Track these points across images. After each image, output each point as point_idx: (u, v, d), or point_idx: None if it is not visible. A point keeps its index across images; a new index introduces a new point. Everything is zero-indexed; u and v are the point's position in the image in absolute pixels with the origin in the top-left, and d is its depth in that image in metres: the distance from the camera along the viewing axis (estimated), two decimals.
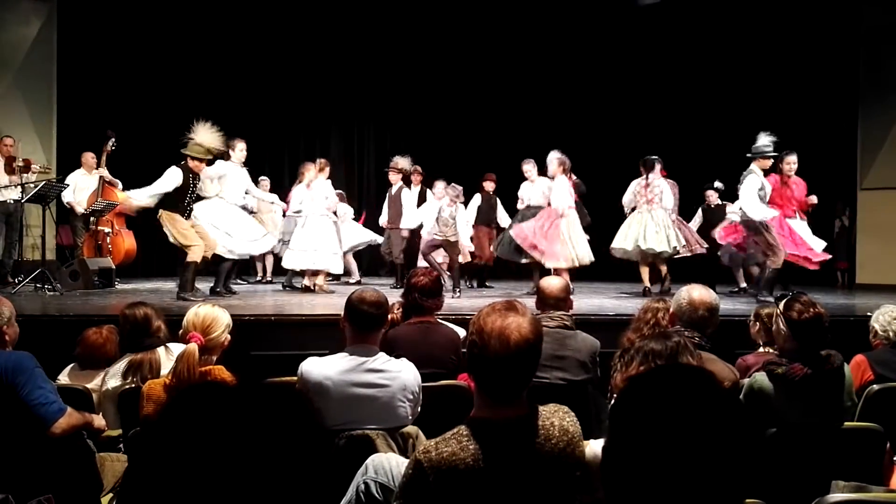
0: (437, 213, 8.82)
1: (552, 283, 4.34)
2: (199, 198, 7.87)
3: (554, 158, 8.67)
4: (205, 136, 7.70)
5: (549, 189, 8.80)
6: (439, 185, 9.57)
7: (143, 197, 7.67)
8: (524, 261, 8.98)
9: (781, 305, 3.39)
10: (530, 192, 9.36)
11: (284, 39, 12.44)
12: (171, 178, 7.49)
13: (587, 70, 12.59)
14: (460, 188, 8.89)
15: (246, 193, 8.60)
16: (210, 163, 7.85)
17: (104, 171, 9.59)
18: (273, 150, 12.72)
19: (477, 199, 9.92)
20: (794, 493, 2.67)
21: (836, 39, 11.57)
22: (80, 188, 9.69)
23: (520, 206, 9.49)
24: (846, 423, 3.20)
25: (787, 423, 3.12)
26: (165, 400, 3.12)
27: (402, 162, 9.96)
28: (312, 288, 8.97)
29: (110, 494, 3.11)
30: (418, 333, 4.16)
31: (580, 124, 12.08)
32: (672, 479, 1.11)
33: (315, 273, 9.02)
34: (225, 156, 8.20)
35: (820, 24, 11.46)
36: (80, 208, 9.60)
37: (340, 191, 10.95)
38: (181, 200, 7.56)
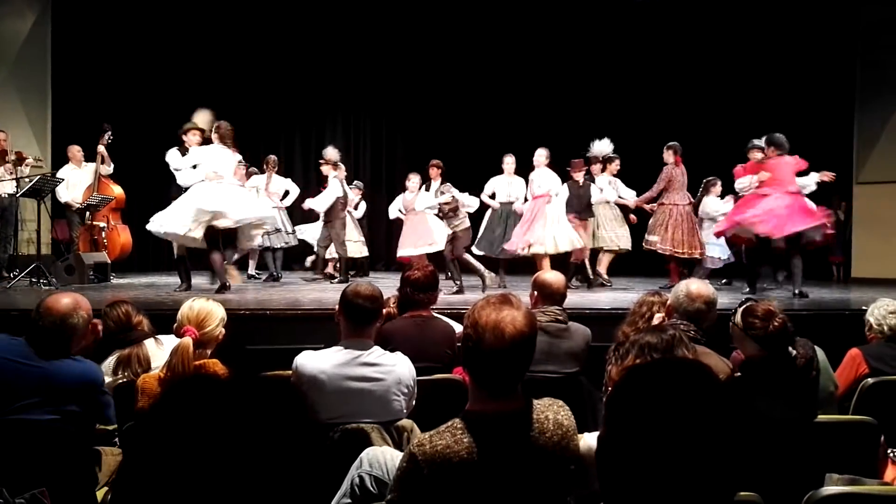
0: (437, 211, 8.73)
1: (550, 278, 4.35)
2: None
3: (544, 150, 8.87)
4: (200, 117, 7.84)
5: (531, 181, 8.85)
6: (414, 179, 9.55)
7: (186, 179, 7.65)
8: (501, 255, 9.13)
9: (739, 319, 3.29)
10: (506, 186, 9.25)
11: (280, 29, 12.40)
12: (178, 156, 7.53)
13: (585, 63, 12.55)
14: (447, 191, 8.73)
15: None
16: (205, 139, 7.81)
17: (101, 149, 9.57)
18: (268, 140, 12.67)
19: (565, 190, 9.10)
20: (788, 487, 2.67)
21: (834, 34, 11.57)
22: (73, 183, 9.67)
23: (486, 198, 9.38)
24: (842, 417, 3.21)
25: (773, 419, 3.12)
26: (159, 393, 3.11)
27: (331, 153, 9.83)
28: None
29: (105, 488, 3.11)
30: (413, 327, 4.16)
31: (577, 116, 12.04)
32: (667, 471, 1.11)
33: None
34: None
35: (817, 18, 11.46)
36: (77, 203, 9.59)
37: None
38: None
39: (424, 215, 9.42)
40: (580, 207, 9.09)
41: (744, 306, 3.34)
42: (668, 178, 8.82)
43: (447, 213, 8.72)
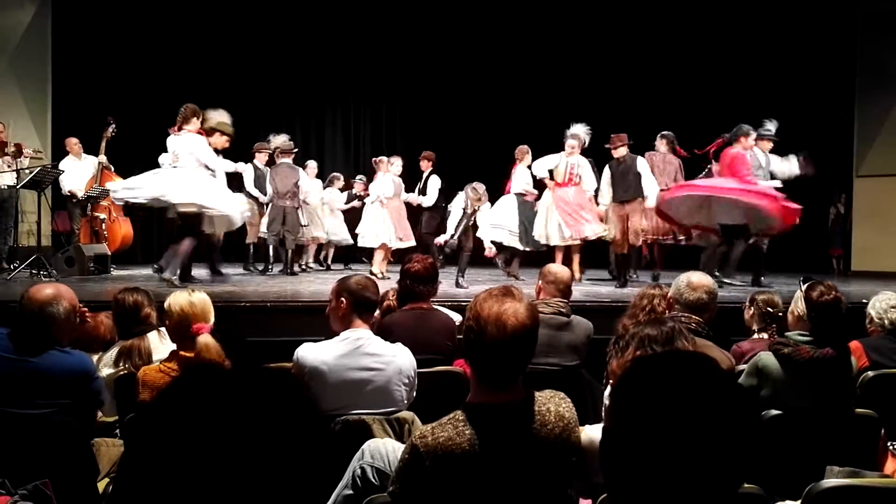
0: (462, 216, 8.35)
1: (559, 271, 4.41)
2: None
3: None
4: (221, 115, 7.83)
5: (572, 168, 8.57)
6: (397, 163, 9.47)
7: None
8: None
9: (804, 286, 3.52)
10: (521, 177, 9.07)
11: (280, 17, 12.37)
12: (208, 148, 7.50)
13: (585, 53, 12.52)
14: (482, 189, 8.26)
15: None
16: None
17: (103, 158, 9.57)
18: (268, 129, 12.60)
19: (606, 173, 8.37)
20: (789, 479, 2.68)
21: (834, 27, 11.56)
22: (73, 175, 9.65)
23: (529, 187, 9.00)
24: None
25: (787, 403, 3.16)
26: (163, 386, 3.11)
27: (277, 140, 9.66)
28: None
29: (106, 479, 3.12)
30: (413, 320, 4.17)
31: (576, 108, 12.00)
32: (672, 462, 1.11)
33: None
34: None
35: (817, 11, 11.44)
36: (81, 193, 9.56)
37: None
38: None
39: (403, 206, 9.46)
40: (623, 188, 8.21)
41: (814, 281, 3.60)
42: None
43: (474, 211, 8.45)
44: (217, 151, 7.74)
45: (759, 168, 8.14)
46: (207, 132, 7.61)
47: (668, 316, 3.43)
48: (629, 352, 2.64)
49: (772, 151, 8.35)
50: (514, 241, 8.90)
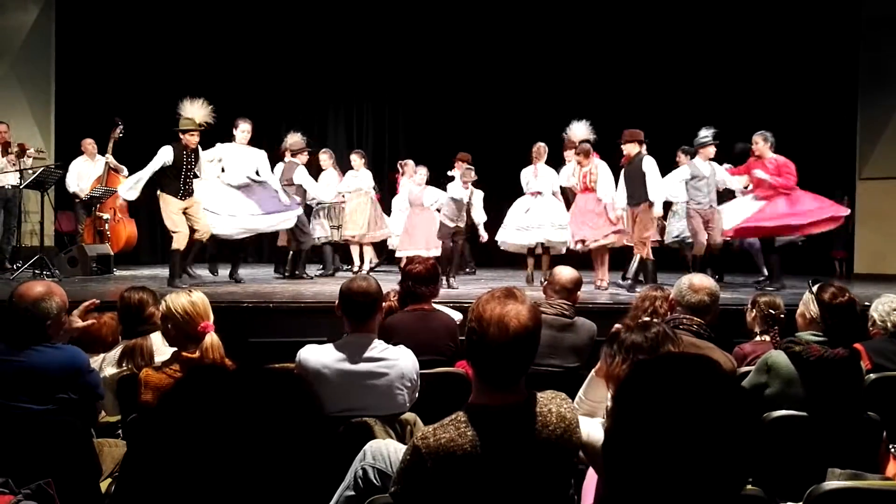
0: (451, 199, 8.30)
1: (563, 273, 4.42)
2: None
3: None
4: (192, 110, 7.75)
5: (586, 179, 8.09)
6: (421, 171, 9.26)
7: (127, 189, 7.65)
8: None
9: (815, 288, 3.53)
10: (548, 175, 8.80)
11: (283, 18, 12.38)
12: (159, 157, 7.42)
13: (585, 52, 12.47)
14: (470, 170, 8.21)
15: (257, 174, 8.23)
16: (204, 136, 7.77)
17: (110, 158, 9.58)
18: (270, 128, 12.63)
19: (621, 175, 8.01)
20: (790, 481, 2.68)
21: (836, 30, 11.54)
22: (83, 175, 9.67)
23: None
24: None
25: (794, 402, 3.17)
26: (167, 386, 3.11)
27: (291, 139, 9.45)
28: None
29: (109, 479, 3.12)
30: (415, 321, 4.17)
31: (579, 106, 12.00)
32: (674, 465, 1.12)
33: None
34: (230, 137, 8.24)
35: (820, 14, 11.43)
36: (82, 194, 9.58)
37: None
38: (176, 180, 7.47)
39: (433, 214, 9.26)
40: (629, 192, 7.77)
41: (823, 282, 3.66)
42: None
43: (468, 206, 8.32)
44: (191, 149, 7.66)
45: (703, 179, 8.03)
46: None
47: (672, 317, 3.43)
48: (617, 362, 2.59)
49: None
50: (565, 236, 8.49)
